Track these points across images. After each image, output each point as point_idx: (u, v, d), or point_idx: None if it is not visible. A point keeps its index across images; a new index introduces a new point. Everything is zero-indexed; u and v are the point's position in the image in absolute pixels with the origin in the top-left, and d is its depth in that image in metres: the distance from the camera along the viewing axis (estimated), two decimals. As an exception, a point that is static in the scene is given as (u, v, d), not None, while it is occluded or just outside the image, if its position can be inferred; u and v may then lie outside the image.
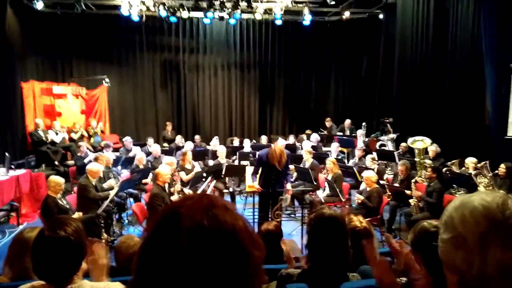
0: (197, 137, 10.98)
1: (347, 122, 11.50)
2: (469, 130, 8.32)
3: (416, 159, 7.40)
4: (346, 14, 11.20)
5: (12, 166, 7.24)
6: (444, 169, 7.11)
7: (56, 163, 9.47)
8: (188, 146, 9.17)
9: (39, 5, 9.64)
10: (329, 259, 1.61)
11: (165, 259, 0.66)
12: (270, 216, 5.44)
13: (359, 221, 2.69)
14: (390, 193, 6.28)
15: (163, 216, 0.71)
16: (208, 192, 6.57)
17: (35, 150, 9.46)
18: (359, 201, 5.94)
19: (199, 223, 0.67)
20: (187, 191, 6.37)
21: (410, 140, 7.69)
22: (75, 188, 6.56)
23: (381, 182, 6.34)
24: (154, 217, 0.73)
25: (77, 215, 5.35)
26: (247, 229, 0.71)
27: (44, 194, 7.26)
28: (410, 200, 5.97)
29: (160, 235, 0.69)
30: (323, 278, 1.62)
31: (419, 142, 7.49)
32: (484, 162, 6.15)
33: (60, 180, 5.35)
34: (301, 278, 1.71)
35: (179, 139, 10.37)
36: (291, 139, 10.66)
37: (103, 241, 5.33)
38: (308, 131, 11.43)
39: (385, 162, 8.43)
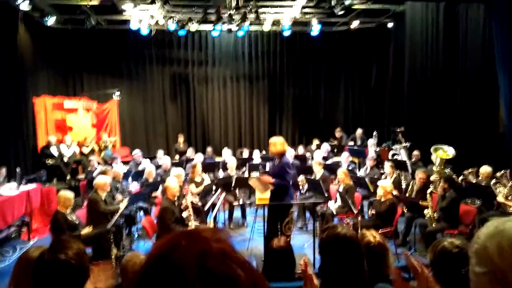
0: (209, 149, 10.95)
1: (359, 131, 11.35)
2: (483, 138, 8.13)
3: (435, 169, 7.22)
4: (355, 24, 11.16)
5: (23, 181, 7.27)
6: (460, 178, 6.94)
7: (68, 177, 9.52)
8: (198, 158, 9.12)
9: (50, 22, 9.80)
10: (343, 281, 1.52)
11: None
12: (280, 229, 5.31)
13: (372, 235, 2.58)
14: (404, 205, 6.14)
15: (148, 273, 0.60)
16: (218, 204, 6.49)
17: (46, 164, 9.52)
18: (372, 213, 5.80)
19: (189, 284, 0.56)
20: (193, 200, 6.27)
21: (432, 147, 7.52)
22: (86, 202, 6.55)
23: (394, 193, 6.20)
24: (138, 272, 0.62)
25: (87, 230, 5.32)
26: (251, 278, 0.60)
27: (55, 209, 7.30)
28: (425, 211, 5.82)
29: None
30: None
31: (440, 151, 7.30)
32: (503, 171, 5.97)
33: (70, 195, 5.35)
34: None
35: (190, 152, 10.34)
36: (301, 150, 10.56)
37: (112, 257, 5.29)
38: (316, 141, 11.27)
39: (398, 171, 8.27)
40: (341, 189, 6.54)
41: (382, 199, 5.79)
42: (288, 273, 2.79)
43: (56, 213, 5.20)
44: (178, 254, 0.60)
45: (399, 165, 8.17)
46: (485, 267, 0.74)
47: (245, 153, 10.47)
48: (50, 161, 9.49)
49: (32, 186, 7.12)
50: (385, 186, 5.79)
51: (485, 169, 6.49)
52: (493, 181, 5.98)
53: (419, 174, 6.62)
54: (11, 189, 6.68)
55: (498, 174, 6.06)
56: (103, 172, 6.90)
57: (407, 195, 6.75)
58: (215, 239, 0.63)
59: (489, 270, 0.73)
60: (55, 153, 9.62)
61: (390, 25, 11.38)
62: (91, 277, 1.82)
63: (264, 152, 10.86)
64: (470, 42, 8.52)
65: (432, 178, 6.64)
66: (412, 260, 1.74)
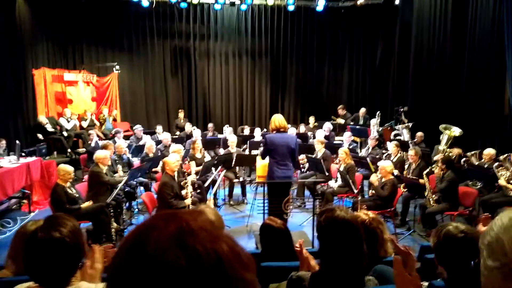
0: (210, 125, 10.87)
1: (362, 110, 11.21)
2: (488, 120, 8.03)
3: (442, 147, 7.17)
4: (361, 0, 10.88)
5: (23, 154, 7.25)
6: (462, 160, 6.89)
7: (69, 150, 9.51)
8: (196, 134, 9.06)
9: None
10: (342, 266, 1.49)
11: None
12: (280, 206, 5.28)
13: (364, 214, 2.58)
14: (404, 185, 6.12)
15: (125, 254, 0.57)
16: (219, 181, 6.48)
17: (47, 138, 9.49)
18: (372, 193, 5.78)
19: (172, 263, 0.53)
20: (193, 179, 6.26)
21: (442, 126, 7.48)
22: (86, 176, 6.54)
23: (395, 173, 6.17)
24: (116, 253, 0.59)
25: (87, 204, 5.31)
26: (233, 250, 0.58)
27: (55, 182, 7.31)
28: (425, 192, 5.80)
29: (124, 276, 0.56)
30: (336, 284, 1.51)
31: (447, 131, 7.29)
32: (507, 154, 5.90)
33: (69, 168, 5.31)
34: (313, 282, 1.60)
35: (188, 127, 10.27)
36: (302, 128, 10.49)
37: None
38: (311, 119, 11.15)
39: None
40: (342, 169, 6.51)
41: (383, 180, 5.77)
42: (284, 253, 2.77)
43: (55, 186, 5.18)
44: (155, 235, 0.57)
45: (401, 145, 8.12)
46: (498, 261, 0.70)
47: (246, 131, 10.41)
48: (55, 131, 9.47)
49: (32, 158, 7.10)
50: (385, 166, 5.75)
51: (489, 151, 6.42)
52: (496, 164, 5.92)
53: (410, 152, 6.59)
54: (11, 162, 6.66)
55: (501, 157, 6.00)
56: (104, 146, 6.86)
57: (404, 174, 6.72)
58: (193, 218, 0.60)
59: (503, 264, 0.69)
60: (50, 129, 9.53)
61: (397, 1, 11.09)
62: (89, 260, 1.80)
63: (265, 129, 10.80)
64: (479, 21, 8.28)
65: (436, 158, 6.60)
66: (399, 245, 1.72)
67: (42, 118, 9.61)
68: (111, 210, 5.54)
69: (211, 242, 0.57)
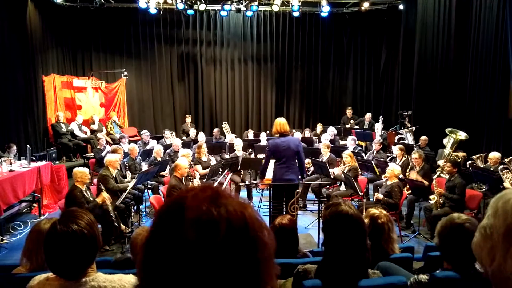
0: (215, 130, 11.00)
1: (368, 115, 11.28)
2: (492, 123, 8.06)
3: (447, 151, 7.22)
4: (365, 5, 10.98)
5: (34, 158, 7.38)
6: (468, 163, 6.91)
7: (71, 155, 9.69)
8: (200, 138, 9.16)
9: (59, -2, 9.79)
10: (346, 258, 1.56)
11: (170, 254, 0.63)
12: (285, 210, 5.35)
13: (376, 208, 2.65)
14: (409, 187, 6.16)
15: (166, 209, 0.68)
16: (225, 185, 6.56)
17: (56, 142, 9.65)
18: (379, 198, 5.80)
19: (206, 213, 0.64)
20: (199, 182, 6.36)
21: (448, 129, 7.54)
22: (95, 180, 6.65)
23: (401, 176, 6.21)
24: (158, 211, 0.70)
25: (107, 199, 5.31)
26: (256, 216, 0.69)
27: (64, 186, 7.43)
28: (431, 197, 5.83)
29: (163, 229, 0.66)
30: (340, 275, 1.58)
31: (453, 134, 7.35)
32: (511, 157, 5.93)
33: (86, 170, 5.39)
34: (318, 274, 1.67)
35: (192, 132, 10.38)
36: (307, 133, 10.58)
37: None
38: (319, 126, 11.26)
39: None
40: (346, 171, 6.57)
41: (388, 182, 5.81)
42: (292, 251, 2.85)
43: (73, 189, 5.18)
44: (192, 195, 0.68)
45: (406, 149, 8.15)
46: (484, 223, 0.82)
47: (250, 134, 10.49)
48: (58, 130, 9.62)
49: (42, 163, 7.23)
50: (394, 169, 5.80)
51: (494, 155, 6.43)
52: (501, 166, 5.94)
53: (414, 155, 6.62)
54: (22, 166, 6.80)
55: (506, 160, 6.02)
56: (114, 150, 6.98)
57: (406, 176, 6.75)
58: (225, 189, 0.72)
59: (484, 225, 0.81)
60: (64, 129, 9.72)
61: (401, 7, 11.19)
62: None
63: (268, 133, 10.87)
64: (482, 26, 8.33)
65: (439, 162, 6.64)
66: None
67: (60, 113, 9.81)
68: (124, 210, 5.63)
69: (239, 205, 0.68)
